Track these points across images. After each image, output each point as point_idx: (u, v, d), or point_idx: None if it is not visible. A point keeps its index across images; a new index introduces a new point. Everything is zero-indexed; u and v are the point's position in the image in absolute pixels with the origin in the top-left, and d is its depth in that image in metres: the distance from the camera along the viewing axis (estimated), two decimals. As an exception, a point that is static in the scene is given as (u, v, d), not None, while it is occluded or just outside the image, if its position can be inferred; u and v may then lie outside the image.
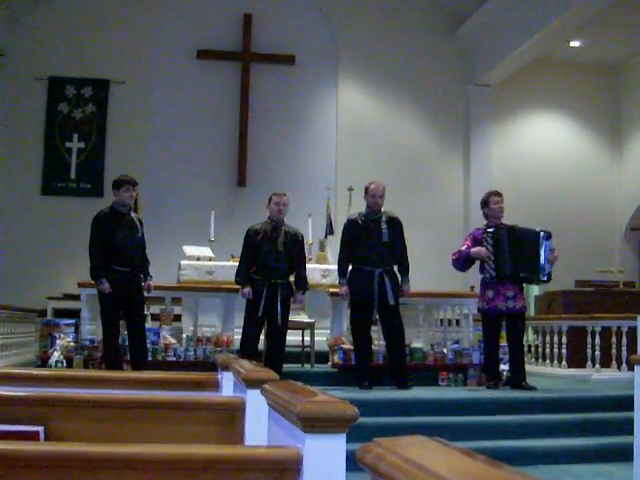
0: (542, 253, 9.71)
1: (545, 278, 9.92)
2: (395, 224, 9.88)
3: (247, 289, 9.59)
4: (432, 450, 1.59)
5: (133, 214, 9.53)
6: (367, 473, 1.70)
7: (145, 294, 9.60)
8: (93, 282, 9.43)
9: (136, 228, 9.33)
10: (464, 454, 1.52)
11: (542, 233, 9.81)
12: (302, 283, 9.89)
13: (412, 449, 1.58)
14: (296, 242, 9.89)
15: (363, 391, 9.32)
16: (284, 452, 2.53)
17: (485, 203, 10.08)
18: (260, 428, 3.37)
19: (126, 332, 9.56)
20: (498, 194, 10.09)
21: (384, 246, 9.68)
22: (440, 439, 1.67)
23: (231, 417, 3.79)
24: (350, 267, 9.85)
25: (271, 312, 9.53)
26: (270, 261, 9.60)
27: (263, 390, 3.07)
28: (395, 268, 9.87)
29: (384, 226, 9.75)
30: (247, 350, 9.29)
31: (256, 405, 3.46)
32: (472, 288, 14.22)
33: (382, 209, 9.93)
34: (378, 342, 10.57)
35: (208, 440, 3.71)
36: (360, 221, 9.82)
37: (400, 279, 9.85)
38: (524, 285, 10.17)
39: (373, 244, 9.65)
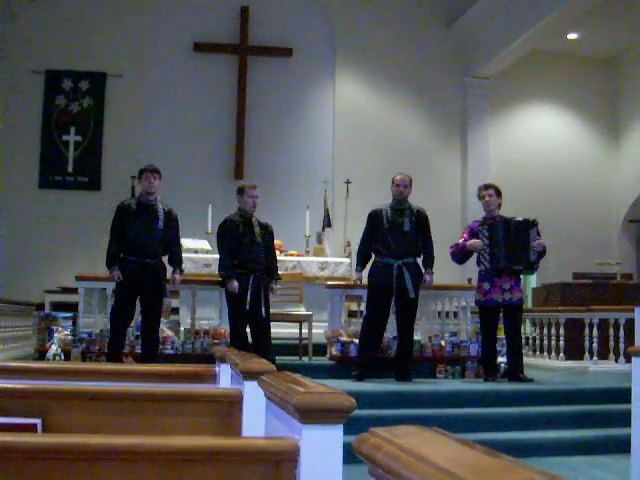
0: (529, 243, 9.72)
1: (528, 267, 9.91)
2: (420, 216, 9.88)
3: (235, 283, 9.47)
4: (429, 440, 1.59)
5: (161, 205, 9.42)
6: (364, 464, 1.70)
7: (169, 287, 9.60)
8: (93, 274, 9.45)
9: (156, 220, 9.26)
10: (462, 444, 1.52)
11: (530, 222, 9.83)
12: (275, 273, 9.92)
13: (409, 439, 1.58)
14: (269, 233, 9.89)
15: (358, 382, 9.32)
16: (281, 443, 2.53)
17: (478, 195, 10.13)
18: (257, 419, 3.37)
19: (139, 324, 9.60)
20: (487, 187, 10.10)
21: (406, 237, 9.67)
22: (437, 429, 1.67)
23: (228, 409, 3.79)
24: (373, 258, 9.87)
25: (254, 304, 9.49)
26: (253, 253, 9.56)
27: (260, 381, 3.07)
28: (419, 260, 9.85)
29: (407, 217, 9.75)
30: (239, 345, 9.24)
31: (253, 397, 3.46)
32: (470, 280, 14.23)
33: (408, 201, 9.93)
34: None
35: (206, 431, 3.71)
36: (383, 211, 9.83)
37: (423, 270, 9.85)
38: (521, 277, 10.17)
39: (395, 235, 9.65)
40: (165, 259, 9.54)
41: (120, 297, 9.27)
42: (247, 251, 9.57)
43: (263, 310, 9.51)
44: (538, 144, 19.04)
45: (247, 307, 9.43)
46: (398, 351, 9.91)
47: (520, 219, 9.93)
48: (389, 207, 9.90)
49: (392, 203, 9.93)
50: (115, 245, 9.20)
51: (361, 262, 9.90)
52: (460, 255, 10.06)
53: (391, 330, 10.40)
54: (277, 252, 10.88)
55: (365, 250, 9.90)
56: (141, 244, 9.14)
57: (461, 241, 9.98)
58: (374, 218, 9.87)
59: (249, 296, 9.44)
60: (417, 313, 11.01)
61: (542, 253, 9.90)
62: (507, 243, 9.70)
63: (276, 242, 10.52)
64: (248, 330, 9.78)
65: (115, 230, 9.24)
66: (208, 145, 17.40)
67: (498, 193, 10.01)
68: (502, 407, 8.67)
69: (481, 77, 18.16)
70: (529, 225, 9.81)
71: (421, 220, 9.88)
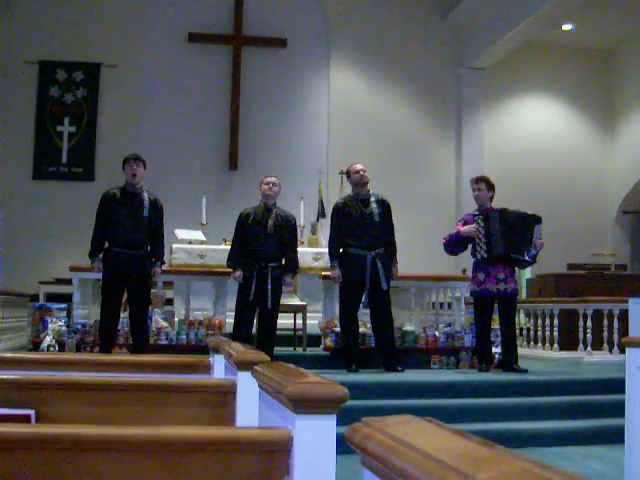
0: (533, 236, 9.72)
1: (530, 260, 9.95)
2: (385, 205, 9.88)
3: (238, 273, 9.57)
4: (422, 429, 1.59)
5: (147, 195, 9.36)
6: (357, 453, 1.70)
7: (154, 279, 9.61)
8: (87, 265, 9.45)
9: (141, 208, 9.21)
10: (455, 433, 1.52)
11: (534, 217, 9.83)
12: (292, 266, 9.86)
13: (401, 428, 1.58)
14: (288, 225, 9.85)
15: (352, 374, 9.33)
16: (274, 433, 2.54)
17: (471, 186, 10.13)
18: (251, 410, 3.38)
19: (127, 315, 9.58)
20: (477, 180, 10.08)
21: (376, 227, 9.66)
22: (431, 418, 1.67)
23: (222, 399, 3.79)
24: (341, 250, 9.83)
25: (262, 295, 9.51)
26: (260, 244, 9.57)
27: (254, 372, 3.07)
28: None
29: (374, 206, 9.74)
30: (241, 334, 9.27)
31: (247, 387, 3.46)
32: (464, 271, 14.24)
33: (370, 191, 9.92)
34: (367, 325, 10.55)
35: (199, 422, 3.72)
36: (349, 203, 9.81)
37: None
38: (515, 268, 10.18)
39: (365, 225, 9.63)
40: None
41: (107, 289, 9.24)
42: (255, 242, 9.59)
43: (269, 302, 9.51)
44: (533, 135, 19.06)
45: (251, 298, 9.46)
46: (381, 343, 9.88)
47: (523, 212, 9.92)
48: (354, 198, 9.88)
49: (355, 193, 9.91)
50: (99, 235, 9.19)
51: (336, 257, 9.85)
52: (454, 245, 10.04)
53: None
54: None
55: (337, 243, 9.86)
56: (126, 233, 9.09)
57: (453, 231, 9.99)
58: (341, 211, 9.84)
59: (253, 287, 9.47)
60: (412, 304, 11.04)
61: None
62: (504, 231, 9.69)
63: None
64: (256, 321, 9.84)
65: (99, 220, 9.21)
66: (202, 135, 17.39)
67: (490, 186, 9.98)
68: (496, 397, 8.68)
69: (476, 68, 18.15)
70: (534, 220, 9.80)
71: (386, 209, 9.88)
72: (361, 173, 9.84)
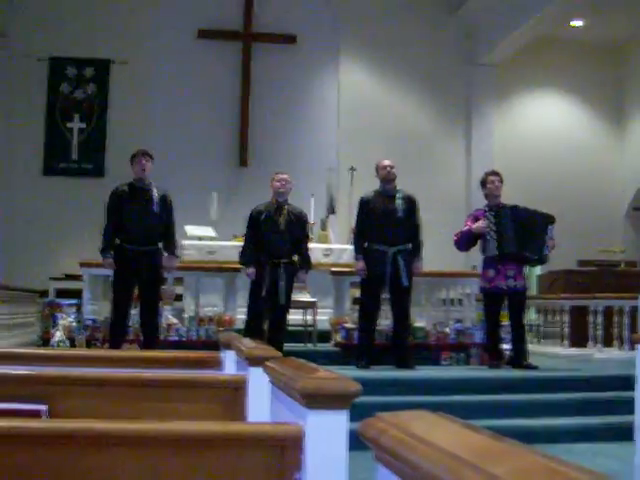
0: (545, 236, 9.70)
1: (541, 259, 9.96)
2: (411, 202, 9.85)
3: (251, 270, 9.58)
4: (435, 424, 1.59)
5: (156, 190, 9.33)
6: (370, 450, 1.70)
7: (165, 274, 9.62)
8: (97, 261, 9.47)
9: (151, 204, 9.19)
10: (468, 428, 1.51)
11: (548, 217, 9.82)
12: (305, 262, 9.86)
13: (415, 423, 1.58)
14: (299, 222, 9.85)
15: (363, 370, 9.32)
16: (286, 428, 2.54)
17: (483, 183, 10.08)
18: (262, 405, 3.38)
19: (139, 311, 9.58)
20: (495, 173, 10.09)
21: (399, 223, 9.64)
22: (443, 414, 1.67)
23: (233, 395, 3.80)
24: (366, 245, 9.83)
25: (274, 292, 9.51)
26: (272, 241, 9.57)
27: (265, 367, 3.07)
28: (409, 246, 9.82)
29: (399, 202, 9.72)
30: (252, 330, 9.27)
31: (258, 382, 3.46)
32: (474, 268, 14.22)
33: (397, 187, 9.90)
34: (380, 322, 10.55)
35: (210, 418, 3.72)
36: (374, 198, 9.80)
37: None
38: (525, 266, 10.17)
39: (388, 221, 9.61)
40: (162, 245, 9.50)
41: (118, 284, 9.25)
42: (267, 238, 9.59)
43: (282, 298, 9.52)
44: (542, 131, 19.01)
45: (263, 294, 9.47)
46: (394, 338, 9.91)
47: (535, 210, 9.91)
48: (379, 193, 9.87)
49: (381, 189, 9.90)
50: (109, 231, 9.19)
51: (361, 250, 9.87)
52: (465, 242, 10.03)
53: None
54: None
55: (362, 239, 9.87)
56: (137, 229, 9.08)
57: (465, 229, 9.97)
58: (366, 205, 9.85)
59: (266, 283, 9.48)
60: (422, 300, 11.03)
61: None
62: (516, 229, 9.67)
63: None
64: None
65: (109, 216, 9.21)
66: (212, 132, 17.39)
67: (501, 181, 10.01)
68: (506, 394, 8.67)
69: (485, 64, 18.12)
70: (547, 220, 9.79)
71: (412, 205, 9.85)
72: (388, 169, 9.81)
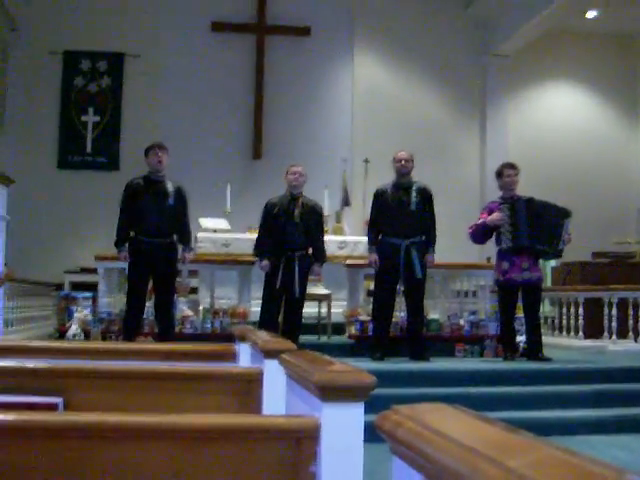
0: (562, 230, 9.68)
1: (556, 254, 9.96)
2: (425, 194, 9.83)
3: (265, 262, 9.59)
4: (451, 417, 1.59)
5: (170, 183, 9.35)
6: (386, 443, 1.70)
7: (180, 267, 9.63)
8: (112, 254, 9.49)
9: (166, 196, 9.21)
10: (484, 421, 1.51)
11: (564, 211, 9.79)
12: (319, 255, 9.86)
13: (431, 416, 1.58)
14: (314, 214, 9.85)
15: (378, 362, 9.32)
16: (301, 421, 2.54)
17: (499, 174, 10.05)
18: (278, 398, 3.38)
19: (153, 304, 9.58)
20: (512, 167, 10.05)
21: (412, 216, 9.64)
22: (459, 406, 1.66)
23: (248, 387, 3.80)
24: (379, 237, 9.82)
25: (289, 284, 9.52)
26: (286, 233, 9.57)
27: (281, 360, 3.07)
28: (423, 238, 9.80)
29: (414, 195, 9.71)
30: (266, 323, 9.28)
31: (273, 375, 3.46)
32: (488, 260, 14.21)
33: (413, 179, 9.89)
34: (395, 314, 10.55)
35: (226, 410, 3.72)
36: (388, 190, 9.80)
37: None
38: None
39: (401, 214, 9.61)
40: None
41: (133, 277, 9.27)
42: (281, 231, 9.59)
43: (297, 291, 9.52)
44: (557, 123, 18.97)
45: (277, 287, 9.47)
46: (409, 331, 9.91)
47: (551, 203, 9.88)
48: (394, 185, 9.86)
49: (396, 181, 9.88)
50: (124, 225, 9.21)
51: (374, 242, 9.87)
52: (481, 234, 10.00)
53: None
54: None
55: (376, 231, 9.87)
56: (152, 222, 9.09)
57: (480, 221, 9.94)
58: (380, 197, 9.84)
59: (280, 275, 9.48)
60: (436, 292, 11.02)
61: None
62: (531, 222, 9.65)
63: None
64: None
65: (124, 209, 9.24)
66: (226, 124, 17.40)
67: (517, 174, 10.00)
68: (521, 386, 8.67)
69: (500, 55, 18.07)
70: (564, 214, 9.77)
71: (427, 198, 9.83)
72: (402, 163, 9.79)
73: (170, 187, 9.26)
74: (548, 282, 14.66)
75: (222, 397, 3.82)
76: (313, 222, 9.81)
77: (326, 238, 10.67)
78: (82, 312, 10.29)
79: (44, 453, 2.46)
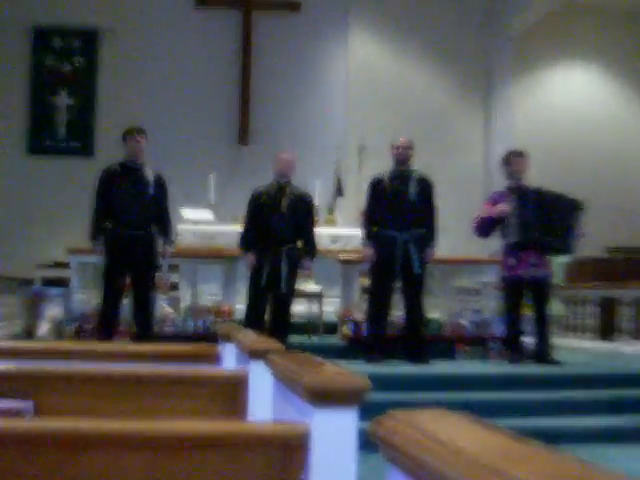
0: (573, 223, 9.67)
1: (567, 249, 9.97)
2: (425, 184, 9.82)
3: (250, 257, 9.58)
4: (452, 424, 1.59)
5: (149, 170, 9.34)
6: (378, 450, 1.70)
7: (160, 261, 9.61)
8: (87, 247, 9.47)
9: (145, 185, 9.21)
10: (486, 428, 1.51)
11: (576, 203, 9.77)
12: (309, 248, 9.84)
13: (430, 422, 1.58)
14: (303, 203, 9.83)
15: (373, 364, 9.32)
16: (290, 428, 2.54)
17: (506, 162, 10.04)
18: (264, 402, 3.38)
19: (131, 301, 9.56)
20: (520, 154, 10.05)
21: (412, 207, 9.62)
22: (461, 412, 1.67)
23: (233, 391, 3.80)
24: (375, 229, 9.80)
25: (275, 280, 9.51)
26: (273, 225, 9.56)
27: (268, 361, 3.07)
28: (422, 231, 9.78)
29: (413, 184, 9.69)
30: (253, 322, 9.27)
31: (260, 377, 3.47)
32: (493, 254, 14.20)
33: (413, 168, 9.88)
34: (391, 312, 10.54)
35: (209, 415, 3.73)
36: (385, 180, 9.78)
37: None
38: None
39: (398, 205, 9.60)
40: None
41: (109, 272, 9.23)
42: (268, 222, 9.58)
43: (284, 286, 9.50)
44: (568, 107, 18.92)
45: (263, 282, 9.46)
46: (407, 331, 9.89)
47: (562, 194, 9.86)
48: (391, 174, 9.84)
49: (394, 169, 9.87)
50: (99, 215, 9.17)
51: (370, 236, 9.84)
52: (487, 228, 9.99)
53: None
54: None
55: (371, 221, 9.85)
56: (129, 212, 9.08)
57: (485, 213, 9.93)
58: (376, 186, 9.83)
59: (266, 270, 9.47)
60: (436, 289, 11.02)
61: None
62: (539, 214, 9.64)
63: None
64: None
65: (99, 198, 9.20)
66: (211, 108, 17.35)
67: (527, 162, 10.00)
68: (528, 391, 8.68)
69: (505, 35, 18.03)
70: (576, 206, 9.75)
71: (427, 188, 9.82)
72: (401, 150, 9.77)
73: (149, 175, 9.25)
74: (559, 279, 14.67)
75: (205, 401, 3.82)
76: (302, 213, 9.79)
77: (317, 230, 10.67)
78: (53, 310, 10.27)
79: (12, 463, 2.46)
